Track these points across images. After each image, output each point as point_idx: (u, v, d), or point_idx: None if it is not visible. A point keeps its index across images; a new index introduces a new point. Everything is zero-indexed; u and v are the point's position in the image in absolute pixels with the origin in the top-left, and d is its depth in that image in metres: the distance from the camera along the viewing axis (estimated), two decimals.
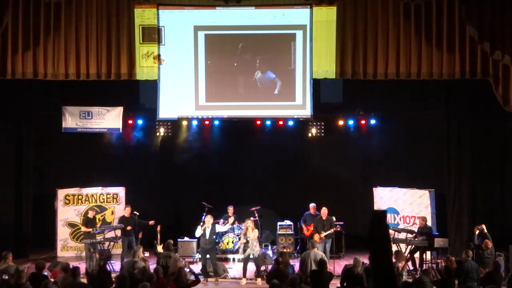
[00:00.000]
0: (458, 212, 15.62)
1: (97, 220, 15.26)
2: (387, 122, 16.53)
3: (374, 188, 16.38)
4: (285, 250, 14.91)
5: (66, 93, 15.73)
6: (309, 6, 14.54)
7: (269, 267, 12.99)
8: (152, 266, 12.07)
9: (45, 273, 10.89)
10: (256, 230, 13.87)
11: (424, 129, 16.55)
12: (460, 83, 14.63)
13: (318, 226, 14.47)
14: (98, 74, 14.35)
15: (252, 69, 14.99)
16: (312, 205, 15.32)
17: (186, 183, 17.01)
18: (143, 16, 14.58)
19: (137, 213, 14.77)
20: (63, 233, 15.91)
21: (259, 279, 13.20)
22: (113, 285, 10.29)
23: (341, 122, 16.62)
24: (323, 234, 14.20)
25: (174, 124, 16.25)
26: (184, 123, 16.00)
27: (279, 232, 15.84)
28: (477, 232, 13.52)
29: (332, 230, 14.40)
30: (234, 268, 14.45)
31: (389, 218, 16.07)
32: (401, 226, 15.28)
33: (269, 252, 15.19)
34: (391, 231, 14.31)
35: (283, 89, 15.04)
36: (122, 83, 14.87)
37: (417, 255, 14.04)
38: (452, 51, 13.94)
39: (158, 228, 14.44)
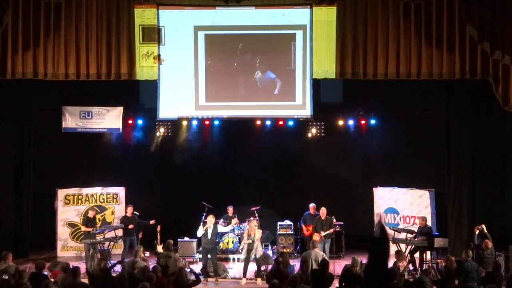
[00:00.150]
0: (458, 212, 15.62)
1: (97, 220, 15.26)
2: (387, 122, 16.53)
3: (374, 188, 16.40)
4: (285, 250, 14.92)
5: (66, 93, 15.72)
6: (309, 6, 14.54)
7: (269, 267, 12.98)
8: (152, 266, 12.05)
9: (45, 273, 10.89)
10: (260, 231, 13.86)
11: (424, 129, 16.55)
12: (460, 83, 14.63)
13: (317, 226, 14.47)
14: (98, 74, 14.34)
15: (252, 69, 14.98)
16: (312, 205, 15.33)
17: (186, 183, 17.01)
18: (143, 16, 14.58)
19: (137, 213, 14.78)
20: (63, 233, 15.92)
21: (259, 279, 13.19)
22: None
23: (341, 122, 16.61)
24: (322, 234, 14.20)
25: (174, 124, 16.25)
26: (184, 123, 15.99)
27: (279, 232, 15.85)
28: (477, 232, 13.52)
29: (331, 230, 14.41)
30: (234, 268, 14.45)
31: (389, 218, 16.11)
32: (401, 226, 15.28)
33: (269, 252, 15.20)
34: (391, 231, 14.35)
35: (283, 89, 15.03)
36: (122, 83, 14.87)
37: (417, 255, 14.04)
38: (452, 51, 13.94)
39: (158, 228, 14.45)
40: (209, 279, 13.29)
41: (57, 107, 15.61)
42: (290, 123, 15.72)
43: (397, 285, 9.69)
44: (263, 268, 13.52)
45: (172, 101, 15.12)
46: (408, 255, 13.67)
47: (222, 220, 14.96)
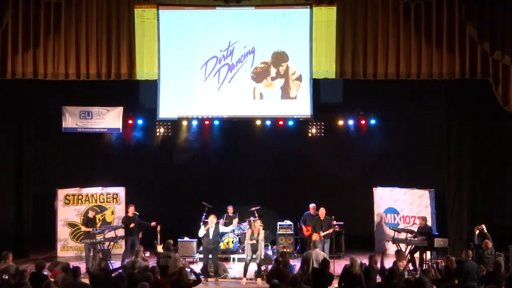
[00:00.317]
0: (458, 212, 15.63)
1: (97, 220, 15.26)
2: (387, 122, 16.53)
3: (374, 188, 16.41)
4: (285, 250, 14.91)
5: (66, 93, 15.74)
6: (309, 6, 14.55)
7: (269, 267, 12.98)
8: (151, 266, 12.05)
9: (45, 273, 10.89)
10: (263, 231, 13.84)
11: (424, 129, 16.56)
12: (460, 83, 14.65)
13: (316, 226, 14.47)
14: (98, 74, 14.35)
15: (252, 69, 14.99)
16: (312, 205, 15.32)
17: (186, 183, 16.99)
18: (143, 16, 14.59)
19: (137, 213, 14.77)
20: (63, 233, 15.91)
21: (259, 279, 13.18)
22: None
23: (341, 122, 16.62)
24: (322, 234, 14.19)
25: (174, 124, 16.24)
26: (184, 123, 15.99)
27: (279, 232, 15.84)
28: (477, 232, 13.50)
29: (330, 230, 14.39)
30: (234, 268, 14.44)
31: (389, 218, 16.11)
32: (401, 226, 15.28)
33: (269, 252, 15.19)
34: (391, 231, 14.35)
35: (283, 89, 15.04)
36: (122, 83, 14.88)
37: (417, 255, 14.05)
38: (452, 51, 13.95)
39: (158, 228, 14.43)
40: (209, 279, 13.29)
41: (57, 107, 15.62)
42: (290, 123, 15.72)
43: (397, 285, 9.70)
44: (263, 268, 13.51)
45: (172, 101, 15.12)
46: (408, 255, 13.67)
47: (222, 220, 14.93)
